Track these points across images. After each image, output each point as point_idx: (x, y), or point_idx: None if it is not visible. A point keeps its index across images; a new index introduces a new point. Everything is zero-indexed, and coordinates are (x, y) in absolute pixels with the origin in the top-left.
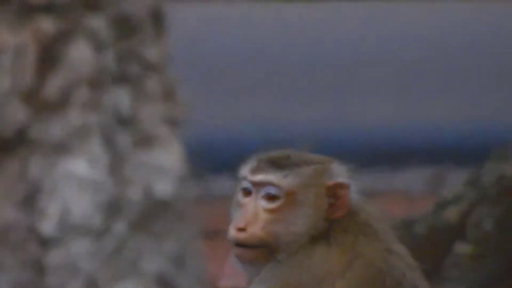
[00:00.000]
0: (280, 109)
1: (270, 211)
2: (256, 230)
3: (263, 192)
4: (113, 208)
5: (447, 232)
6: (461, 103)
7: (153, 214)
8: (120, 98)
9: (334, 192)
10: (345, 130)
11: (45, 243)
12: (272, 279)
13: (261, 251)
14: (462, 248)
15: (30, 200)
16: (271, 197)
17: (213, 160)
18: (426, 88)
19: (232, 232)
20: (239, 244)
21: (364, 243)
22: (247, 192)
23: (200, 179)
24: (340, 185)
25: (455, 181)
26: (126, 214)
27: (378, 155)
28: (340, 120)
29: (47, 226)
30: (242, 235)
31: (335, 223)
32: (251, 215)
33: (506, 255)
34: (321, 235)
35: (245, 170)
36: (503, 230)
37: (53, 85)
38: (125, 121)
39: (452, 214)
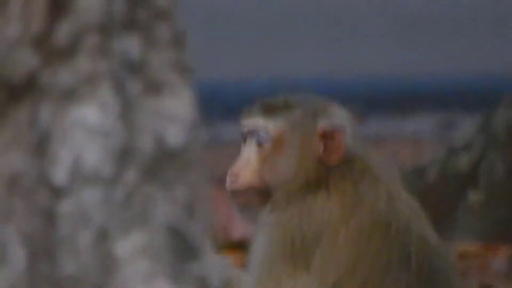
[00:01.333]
0: (288, 56)
1: (260, 156)
2: (246, 177)
3: (253, 137)
4: (123, 155)
5: (458, 179)
6: (470, 49)
7: (163, 162)
8: (130, 44)
9: (328, 135)
10: (353, 77)
11: (55, 191)
12: (273, 225)
13: (255, 197)
14: (473, 195)
15: (40, 147)
16: (260, 142)
17: (222, 106)
18: (435, 34)
19: (228, 180)
20: (234, 192)
21: (366, 189)
22: (244, 139)
23: (210, 126)
24: (334, 128)
25: (465, 127)
26: (137, 162)
27: (386, 101)
28: (349, 67)
29: (58, 174)
30: (235, 182)
31: (334, 169)
32: (243, 162)
33: None
34: (321, 183)
35: (242, 116)
36: None
37: (63, 31)
38: (135, 68)
39: (462, 160)
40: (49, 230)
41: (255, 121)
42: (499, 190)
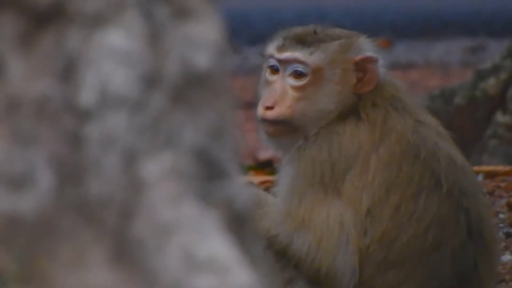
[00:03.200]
0: None
1: (298, 88)
2: (283, 109)
3: (290, 69)
4: (151, 80)
5: (486, 103)
6: None
7: (190, 86)
8: None
9: (362, 66)
10: (380, 5)
11: (82, 115)
12: (302, 158)
13: (288, 128)
14: (501, 119)
15: (67, 73)
16: (298, 75)
17: (249, 32)
18: None
19: (260, 111)
20: (267, 122)
21: (394, 117)
22: (274, 70)
23: (237, 52)
24: (368, 59)
25: (493, 52)
26: (164, 87)
27: (414, 28)
28: None
29: (85, 98)
30: (270, 114)
31: (364, 98)
32: (279, 93)
33: None
34: (350, 111)
35: (271, 48)
36: None
37: None
38: None
39: (491, 85)
40: (77, 153)
41: (291, 54)
42: None
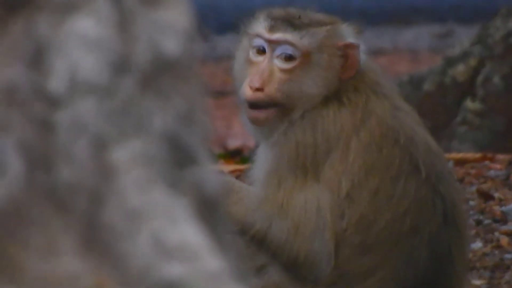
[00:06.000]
0: None
1: (285, 71)
2: (272, 90)
3: (279, 51)
4: (120, 67)
5: (455, 90)
6: None
7: (160, 73)
8: None
9: (344, 52)
10: None
11: (52, 101)
12: (286, 142)
13: (275, 112)
14: (470, 105)
15: (37, 59)
16: (287, 57)
17: (218, 20)
18: None
19: (247, 92)
20: (253, 105)
21: (374, 101)
22: (260, 51)
23: (206, 39)
24: (350, 46)
25: (461, 38)
26: (133, 73)
27: (383, 13)
28: None
29: (55, 85)
30: (258, 95)
31: (346, 83)
32: (267, 74)
33: None
34: (333, 96)
35: (258, 28)
36: (510, 87)
37: None
38: None
39: (460, 71)
40: (46, 140)
41: (284, 35)
42: (496, 100)
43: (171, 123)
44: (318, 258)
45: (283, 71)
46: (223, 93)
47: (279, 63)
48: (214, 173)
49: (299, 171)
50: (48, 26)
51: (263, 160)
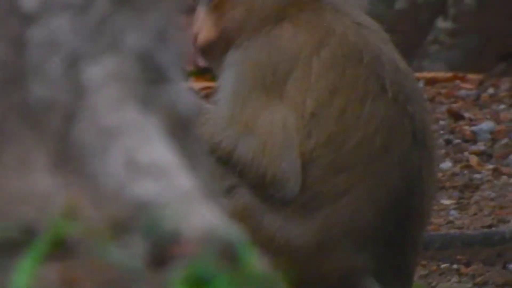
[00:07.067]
0: None
1: (213, 9)
2: (206, 33)
3: None
4: None
5: (427, 8)
6: None
7: None
8: None
9: None
10: None
11: (25, 18)
12: (241, 62)
13: (218, 48)
14: (442, 24)
15: None
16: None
17: None
18: None
19: (192, 40)
20: (198, 48)
21: (332, 19)
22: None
23: None
24: None
25: None
26: None
27: None
28: None
29: (27, 2)
30: (197, 41)
31: (296, 4)
32: (200, 20)
33: (485, 31)
34: (283, 17)
35: None
36: (482, 5)
37: None
38: None
39: None
40: (19, 57)
41: None
42: (468, 19)
43: (145, 40)
44: (286, 176)
45: (211, 10)
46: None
47: (205, 4)
48: (187, 92)
49: (261, 90)
50: None
51: (225, 80)
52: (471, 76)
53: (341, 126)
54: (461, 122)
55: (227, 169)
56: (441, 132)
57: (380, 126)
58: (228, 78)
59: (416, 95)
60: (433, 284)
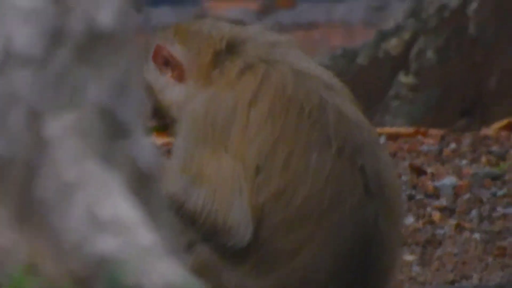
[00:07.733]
0: None
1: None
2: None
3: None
4: (55, 37)
5: (388, 63)
6: None
7: (94, 43)
8: None
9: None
10: None
11: None
12: (185, 118)
13: (164, 118)
14: (404, 79)
15: None
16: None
17: None
18: None
19: None
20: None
21: (267, 68)
22: None
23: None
24: (160, 48)
25: (395, 12)
26: (68, 44)
27: None
28: None
29: None
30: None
31: (219, 62)
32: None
33: (446, 86)
34: (222, 72)
35: None
36: (443, 61)
37: None
38: None
39: (393, 45)
40: None
41: None
42: (429, 74)
43: (106, 95)
44: (236, 224)
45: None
46: None
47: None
48: (148, 147)
49: (203, 144)
50: None
51: (177, 134)
52: (433, 131)
53: (287, 181)
54: (424, 177)
55: (185, 222)
56: (403, 187)
57: (329, 178)
58: (179, 132)
59: (369, 145)
60: None
